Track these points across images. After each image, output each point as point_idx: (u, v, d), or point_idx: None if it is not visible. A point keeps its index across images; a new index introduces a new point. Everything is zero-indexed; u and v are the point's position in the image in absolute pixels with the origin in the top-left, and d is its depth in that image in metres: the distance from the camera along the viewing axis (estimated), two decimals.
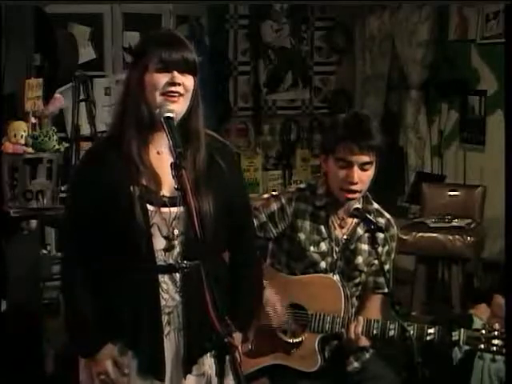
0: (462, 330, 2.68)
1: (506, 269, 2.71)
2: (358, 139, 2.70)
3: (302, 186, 2.95)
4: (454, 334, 2.67)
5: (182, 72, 2.18)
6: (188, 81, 2.20)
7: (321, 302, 2.76)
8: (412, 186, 6.30)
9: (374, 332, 2.72)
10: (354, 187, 2.73)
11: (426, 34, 6.33)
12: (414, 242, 5.08)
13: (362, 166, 2.72)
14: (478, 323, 3.65)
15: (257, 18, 6.91)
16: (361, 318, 2.73)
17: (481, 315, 3.64)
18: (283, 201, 2.86)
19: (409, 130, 6.60)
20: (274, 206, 2.86)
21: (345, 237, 2.86)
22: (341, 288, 2.78)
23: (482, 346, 2.66)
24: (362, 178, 2.73)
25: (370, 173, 2.76)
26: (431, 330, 2.68)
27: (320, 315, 2.76)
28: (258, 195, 5.87)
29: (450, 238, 5.03)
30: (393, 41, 6.67)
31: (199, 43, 6.34)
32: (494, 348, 2.64)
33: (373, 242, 2.78)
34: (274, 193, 3.01)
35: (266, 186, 6.70)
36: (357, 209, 2.85)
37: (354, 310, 2.86)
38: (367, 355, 2.92)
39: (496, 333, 2.64)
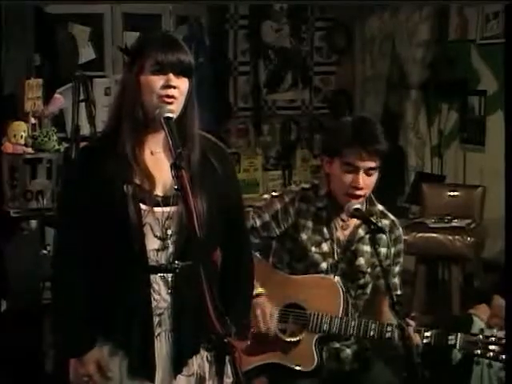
0: (459, 334, 2.66)
1: (506, 269, 2.71)
2: (366, 144, 2.70)
3: (307, 186, 2.95)
4: (450, 338, 2.65)
5: (177, 74, 2.17)
6: (183, 84, 2.19)
7: (320, 302, 2.76)
8: (412, 186, 6.29)
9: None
10: (358, 192, 2.74)
11: (426, 34, 6.34)
12: (414, 241, 5.07)
13: (368, 171, 2.73)
14: (477, 323, 3.65)
15: (257, 18, 6.91)
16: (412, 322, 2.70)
17: (481, 315, 3.63)
18: (286, 200, 2.87)
19: (409, 130, 6.60)
20: (278, 206, 2.87)
21: (346, 238, 2.85)
22: (340, 289, 2.78)
23: (479, 352, 2.63)
24: (367, 182, 2.74)
25: (375, 178, 2.76)
26: (428, 334, 2.67)
27: (318, 315, 2.76)
28: (257, 195, 5.87)
29: (450, 238, 5.03)
30: (393, 41, 6.68)
31: (199, 43, 6.34)
32: (491, 354, 2.61)
33: (373, 242, 2.77)
34: (274, 193, 3.00)
35: (265, 186, 6.68)
36: (357, 209, 2.82)
37: (357, 313, 2.84)
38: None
39: (493, 338, 2.62)
